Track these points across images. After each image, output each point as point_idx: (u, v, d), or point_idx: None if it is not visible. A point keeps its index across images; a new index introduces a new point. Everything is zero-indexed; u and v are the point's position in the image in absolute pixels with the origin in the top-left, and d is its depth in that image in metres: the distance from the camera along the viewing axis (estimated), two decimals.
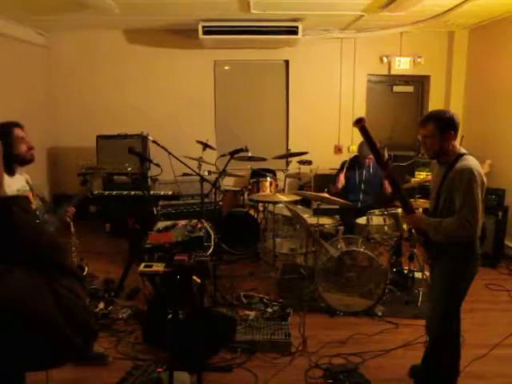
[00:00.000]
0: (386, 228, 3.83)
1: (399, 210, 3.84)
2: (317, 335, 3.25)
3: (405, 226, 3.86)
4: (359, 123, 2.45)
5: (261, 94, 6.53)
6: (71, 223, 2.95)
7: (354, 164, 4.56)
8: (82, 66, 6.28)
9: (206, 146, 5.19)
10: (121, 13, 4.99)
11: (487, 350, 2.99)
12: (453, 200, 2.35)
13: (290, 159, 5.69)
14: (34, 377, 1.16)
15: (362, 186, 4.51)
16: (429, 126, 2.41)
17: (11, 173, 2.50)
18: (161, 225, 3.03)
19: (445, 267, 2.47)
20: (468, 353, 2.75)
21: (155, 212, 3.60)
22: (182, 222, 3.03)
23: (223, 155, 4.45)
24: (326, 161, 6.05)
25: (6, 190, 2.08)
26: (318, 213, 4.09)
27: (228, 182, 5.98)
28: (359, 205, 4.46)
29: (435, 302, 2.56)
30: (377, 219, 3.88)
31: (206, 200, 4.24)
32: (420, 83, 6.51)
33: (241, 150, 3.98)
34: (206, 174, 5.25)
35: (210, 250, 2.70)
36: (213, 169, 5.43)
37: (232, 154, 3.92)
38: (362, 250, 3.62)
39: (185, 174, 5.07)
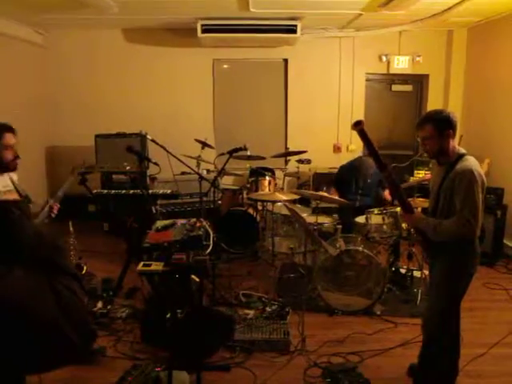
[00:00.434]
0: (384, 227, 3.82)
1: (398, 209, 3.83)
2: (316, 334, 3.25)
3: (404, 225, 3.85)
4: (358, 126, 2.44)
5: (260, 93, 6.52)
6: (69, 222, 2.94)
7: (353, 167, 4.58)
8: (81, 65, 6.27)
9: (204, 144, 5.18)
10: (120, 12, 4.97)
11: (486, 349, 2.99)
12: (453, 200, 2.35)
13: (288, 158, 5.70)
14: (33, 378, 1.15)
15: (360, 191, 4.52)
16: (426, 128, 2.40)
17: None
18: (159, 224, 3.02)
19: (443, 266, 2.47)
20: (467, 352, 2.75)
21: (154, 211, 3.59)
22: (181, 221, 3.02)
23: (222, 154, 4.43)
24: (324, 160, 6.06)
25: None
26: (316, 212, 4.08)
27: (227, 181, 5.97)
28: (357, 204, 4.45)
29: (433, 300, 2.56)
30: (376, 218, 3.88)
31: (205, 199, 4.23)
32: (419, 82, 6.50)
33: (240, 149, 3.98)
34: (205, 172, 5.25)
35: (209, 249, 2.69)
36: (211, 168, 5.42)
37: (231, 152, 3.91)
38: (360, 248, 3.62)
39: (183, 173, 5.06)
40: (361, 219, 4.01)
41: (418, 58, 6.16)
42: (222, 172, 4.20)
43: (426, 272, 3.29)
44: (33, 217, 2.61)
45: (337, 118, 6.41)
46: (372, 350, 3.07)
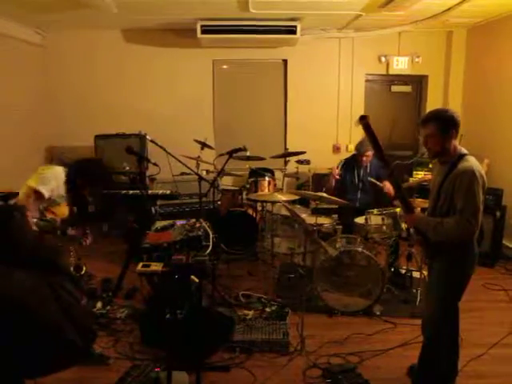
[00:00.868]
0: (384, 228, 3.83)
1: (397, 210, 3.85)
2: (315, 335, 3.25)
3: (403, 226, 3.86)
4: (363, 120, 2.44)
5: (259, 94, 6.51)
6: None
7: (350, 164, 4.57)
8: (80, 66, 6.26)
9: (204, 145, 5.18)
10: (119, 12, 4.97)
11: (485, 349, 2.99)
12: (453, 200, 2.35)
13: (288, 159, 5.70)
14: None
15: (360, 185, 4.52)
16: (430, 126, 2.41)
17: None
18: (159, 224, 3.03)
19: (442, 266, 2.48)
20: (466, 352, 2.76)
21: (153, 211, 3.60)
22: (181, 222, 3.03)
23: (221, 154, 4.44)
24: (324, 160, 6.03)
25: (54, 189, 2.15)
26: (316, 212, 4.09)
27: (226, 182, 5.97)
28: (357, 204, 4.45)
29: (432, 301, 2.56)
30: (375, 219, 3.89)
31: (205, 199, 4.23)
32: (418, 83, 6.51)
33: (239, 150, 3.99)
34: (205, 173, 5.24)
35: (209, 250, 2.70)
36: (211, 168, 5.42)
37: (230, 153, 3.91)
38: (360, 249, 3.62)
39: (183, 174, 5.06)
40: (360, 220, 4.01)
41: (417, 59, 6.17)
42: (221, 172, 4.20)
43: (425, 272, 3.29)
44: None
45: (336, 119, 6.41)
46: (372, 351, 3.07)
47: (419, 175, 5.57)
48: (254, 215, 5.09)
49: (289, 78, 6.39)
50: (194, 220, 3.04)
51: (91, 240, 2.89)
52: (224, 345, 3.07)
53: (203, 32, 5.46)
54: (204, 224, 2.97)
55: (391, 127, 6.42)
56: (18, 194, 3.50)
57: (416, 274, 4.06)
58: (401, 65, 6.21)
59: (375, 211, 3.92)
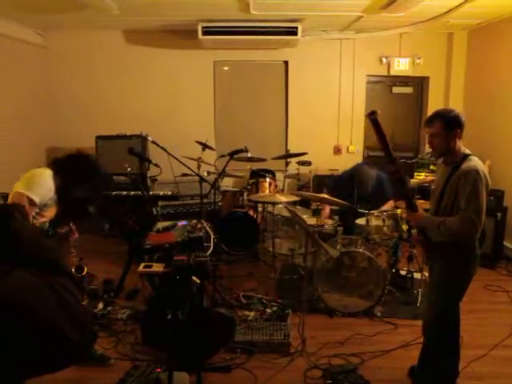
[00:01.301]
0: (385, 229, 3.84)
1: (398, 211, 3.85)
2: (316, 336, 3.25)
3: (404, 227, 3.87)
4: (372, 115, 2.46)
5: (260, 95, 6.53)
6: (70, 223, 2.95)
7: (343, 182, 4.49)
8: (82, 67, 6.28)
9: (205, 146, 5.19)
10: (120, 13, 4.98)
11: (486, 350, 2.99)
12: (457, 200, 2.36)
13: (289, 160, 5.70)
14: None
15: (360, 199, 4.43)
16: (436, 125, 2.42)
17: None
18: (160, 225, 3.03)
19: (443, 267, 2.48)
20: (467, 353, 2.76)
21: (155, 212, 3.60)
22: (182, 223, 3.03)
23: (222, 156, 4.45)
24: (325, 162, 6.07)
25: (46, 193, 2.12)
26: (317, 213, 4.09)
27: (227, 183, 5.98)
28: (358, 208, 4.42)
29: (433, 301, 2.57)
30: (376, 220, 3.89)
31: (206, 200, 4.23)
32: (419, 84, 6.52)
33: (240, 151, 4.00)
34: (206, 174, 5.24)
35: (210, 251, 2.70)
36: (212, 169, 5.43)
37: (231, 154, 3.93)
38: (361, 250, 3.63)
39: (184, 175, 5.07)
40: (361, 221, 4.01)
41: (418, 60, 6.18)
42: (222, 173, 4.21)
43: (426, 274, 3.29)
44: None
45: (337, 120, 6.42)
46: (372, 352, 3.07)
47: (420, 176, 5.57)
48: (255, 216, 5.10)
49: (290, 79, 6.41)
50: (195, 221, 3.04)
51: (77, 236, 2.89)
52: (225, 345, 3.08)
53: (204, 33, 5.48)
54: (205, 225, 2.97)
55: (392, 128, 6.43)
56: None
57: (417, 275, 4.07)
58: (402, 66, 6.22)
59: (376, 212, 3.92)
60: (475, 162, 2.37)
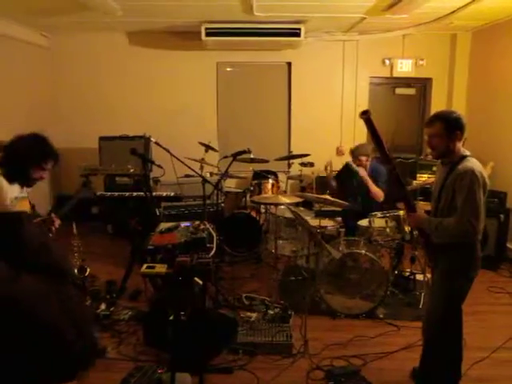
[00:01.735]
0: (387, 230, 3.83)
1: (401, 213, 3.85)
2: (318, 337, 3.25)
3: (407, 228, 3.87)
4: (365, 115, 2.45)
5: (263, 96, 6.53)
6: (73, 224, 2.95)
7: (343, 173, 4.54)
8: (85, 68, 6.30)
9: (208, 147, 5.20)
10: (124, 15, 5.01)
11: (488, 352, 2.98)
12: (454, 201, 2.36)
13: (291, 161, 5.69)
14: None
15: (360, 191, 4.47)
16: (436, 125, 2.42)
17: (12, 182, 2.52)
18: (163, 226, 3.03)
19: (443, 268, 2.48)
20: (469, 356, 2.75)
21: (158, 213, 3.60)
22: (185, 224, 3.03)
23: (225, 157, 4.45)
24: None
25: (6, 195, 2.09)
26: (319, 215, 4.09)
27: (230, 184, 5.98)
28: (361, 208, 4.43)
29: (433, 303, 2.57)
30: (379, 221, 3.89)
31: (208, 201, 4.23)
32: (422, 86, 6.51)
33: (243, 152, 4.00)
34: (208, 175, 5.25)
35: (212, 252, 2.70)
36: (215, 170, 5.44)
37: (234, 155, 3.93)
38: (363, 252, 3.62)
39: (187, 176, 5.07)
40: (364, 222, 4.01)
41: (421, 62, 6.17)
42: (225, 175, 4.21)
43: (429, 275, 3.29)
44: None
45: (340, 122, 6.43)
46: (375, 354, 3.07)
47: (423, 178, 5.56)
48: (258, 217, 5.10)
49: (293, 80, 6.42)
50: (198, 222, 3.04)
51: (59, 222, 2.77)
52: (227, 347, 3.08)
53: (207, 34, 5.49)
54: (208, 226, 2.97)
55: (394, 129, 6.43)
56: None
57: (419, 277, 4.06)
58: (405, 67, 6.22)
59: (379, 214, 3.92)
60: (472, 162, 2.36)
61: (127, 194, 4.49)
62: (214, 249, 2.74)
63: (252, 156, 4.68)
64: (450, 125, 2.40)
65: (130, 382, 2.67)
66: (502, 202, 4.85)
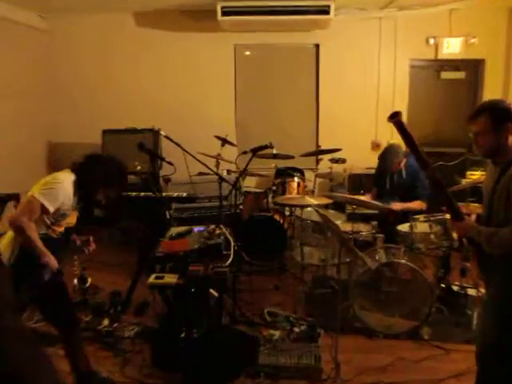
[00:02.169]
0: (432, 236, 3.76)
1: (448, 216, 3.76)
2: (352, 360, 3.20)
3: (455, 235, 3.77)
4: (394, 118, 2.38)
5: (287, 83, 6.52)
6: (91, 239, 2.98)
7: (379, 170, 4.56)
8: (87, 53, 6.39)
9: (225, 141, 5.22)
10: None
11: None
12: (509, 207, 2.27)
13: (320, 157, 5.68)
14: None
15: (395, 191, 4.42)
16: (481, 120, 2.33)
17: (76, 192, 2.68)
18: (174, 231, 3.05)
19: (498, 284, 2.39)
20: None
21: (168, 216, 3.62)
22: (198, 228, 3.05)
23: (245, 152, 4.45)
24: (361, 159, 6.00)
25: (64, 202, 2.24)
26: (353, 218, 4.05)
27: (250, 183, 5.97)
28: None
29: (489, 323, 2.48)
30: (421, 226, 3.82)
31: (225, 203, 4.24)
32: (473, 68, 6.39)
33: (265, 147, 4.00)
34: (225, 173, 5.27)
35: (230, 260, 2.70)
36: (233, 167, 5.45)
37: (255, 150, 3.93)
38: (403, 261, 3.57)
39: (201, 174, 5.09)
40: (404, 227, 3.94)
41: (472, 40, 6.06)
42: (244, 172, 4.21)
43: (483, 290, 3.19)
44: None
45: (375, 112, 6.36)
46: (419, 381, 3.00)
47: (475, 176, 5.44)
48: (281, 221, 5.08)
49: (321, 65, 6.39)
50: (213, 226, 3.05)
51: (94, 247, 2.91)
52: (246, 369, 3.06)
53: (224, 14, 5.50)
54: (225, 231, 2.97)
55: (440, 120, 6.31)
56: (17, 195, 3.58)
57: (471, 292, 3.96)
58: (452, 47, 6.11)
59: (421, 217, 3.85)
60: None
61: (134, 194, 4.52)
62: (232, 257, 2.74)
63: (275, 151, 4.69)
64: (499, 117, 2.30)
65: None
66: None
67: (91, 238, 2.91)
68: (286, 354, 3.15)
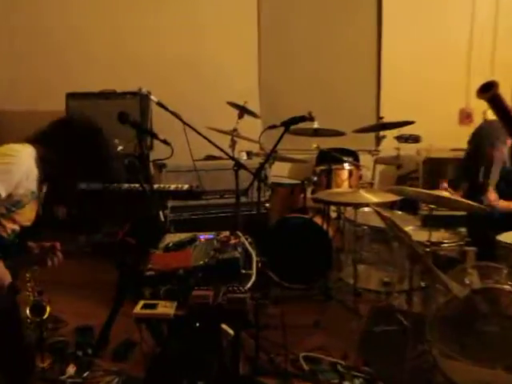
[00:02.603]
0: None
1: None
2: None
3: None
4: (488, 92, 2.30)
5: (334, 34, 6.56)
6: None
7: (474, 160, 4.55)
8: None
9: (244, 111, 5.24)
10: None
11: None
12: None
13: (382, 133, 5.64)
14: None
15: (493, 184, 4.39)
16: None
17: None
18: (170, 239, 3.05)
19: None
20: None
21: (162, 218, 3.63)
22: (206, 236, 3.04)
23: (272, 127, 4.43)
24: (444, 136, 5.97)
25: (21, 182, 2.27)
26: (430, 223, 4.00)
27: (280, 171, 5.97)
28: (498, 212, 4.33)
29: None
30: None
31: (244, 199, 4.24)
32: None
33: (302, 119, 4.00)
34: (244, 156, 5.27)
35: (251, 282, 2.69)
36: (255, 148, 5.45)
37: (287, 124, 3.93)
38: (508, 287, 3.51)
39: (209, 158, 5.11)
40: (508, 237, 3.90)
41: None
42: (271, 156, 4.23)
43: None
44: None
45: (466, 70, 6.37)
46: None
47: None
48: (325, 226, 5.07)
49: (384, 9, 6.42)
50: (226, 233, 3.05)
51: (61, 258, 2.92)
52: None
53: None
54: (243, 240, 2.97)
55: None
56: None
57: None
58: None
59: None
60: None
61: (114, 185, 4.55)
62: (254, 277, 2.73)
63: (316, 125, 4.71)
64: None
65: None
66: None
67: (58, 245, 2.91)
68: None
